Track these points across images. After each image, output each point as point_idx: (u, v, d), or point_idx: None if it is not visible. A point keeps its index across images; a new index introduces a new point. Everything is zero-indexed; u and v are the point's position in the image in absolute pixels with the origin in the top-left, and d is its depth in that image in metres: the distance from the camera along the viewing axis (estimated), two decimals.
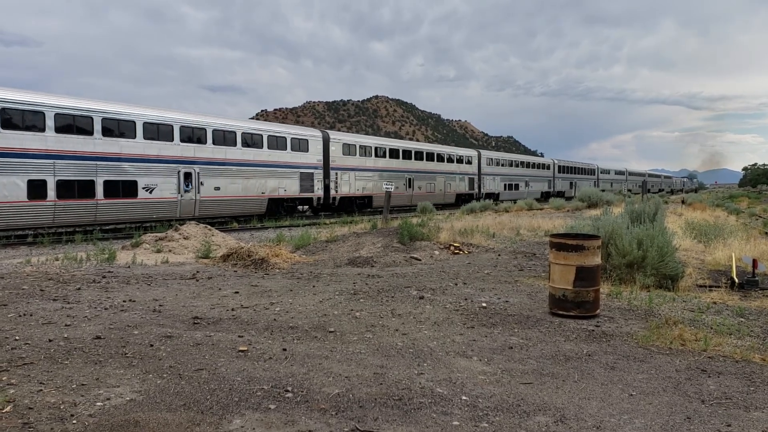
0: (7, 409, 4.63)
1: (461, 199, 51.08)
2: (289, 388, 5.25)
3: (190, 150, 26.91)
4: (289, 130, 34.00)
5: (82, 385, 5.25)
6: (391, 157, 43.08)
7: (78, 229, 23.13)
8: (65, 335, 6.89)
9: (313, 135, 35.58)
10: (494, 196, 56.89)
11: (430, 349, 6.65)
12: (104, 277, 11.16)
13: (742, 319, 8.14)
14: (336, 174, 36.78)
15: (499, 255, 15.09)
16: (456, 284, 10.73)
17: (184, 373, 5.66)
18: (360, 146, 39.80)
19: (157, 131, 25.49)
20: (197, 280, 11.12)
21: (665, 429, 4.54)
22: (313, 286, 10.51)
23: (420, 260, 14.16)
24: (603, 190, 58.41)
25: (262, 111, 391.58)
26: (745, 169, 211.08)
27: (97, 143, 23.21)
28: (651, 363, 6.25)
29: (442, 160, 49.92)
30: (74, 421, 4.44)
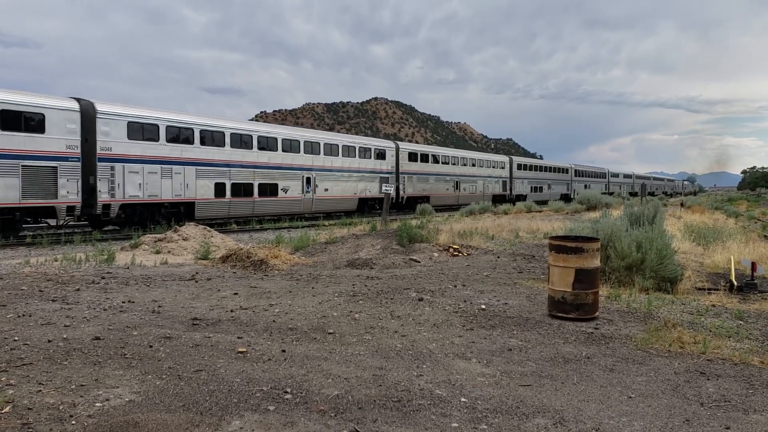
0: (7, 409, 4.63)
1: (496, 200, 57.01)
2: (288, 390, 5.25)
3: (309, 160, 34.69)
4: (373, 143, 42.24)
5: (81, 385, 5.25)
6: (443, 163, 50.38)
7: (216, 221, 27.54)
8: (64, 336, 6.89)
9: (389, 146, 43.69)
10: (523, 198, 62.77)
11: (429, 350, 6.65)
12: (103, 278, 11.16)
13: (740, 322, 8.15)
14: (404, 177, 44.22)
15: (498, 257, 15.09)
16: (455, 286, 10.73)
17: (183, 374, 5.66)
18: (420, 154, 47.28)
19: (290, 145, 33.54)
20: (196, 282, 11.11)
21: (664, 431, 4.54)
22: (313, 288, 10.51)
23: (419, 262, 14.16)
24: (612, 193, 68.38)
25: (261, 113, 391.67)
26: (744, 172, 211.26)
27: (254, 155, 30.99)
28: (650, 365, 6.26)
29: (482, 166, 57.59)
30: (73, 422, 4.44)
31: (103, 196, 23.32)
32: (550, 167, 74.42)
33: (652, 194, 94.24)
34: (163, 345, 6.64)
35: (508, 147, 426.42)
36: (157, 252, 15.35)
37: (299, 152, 33.99)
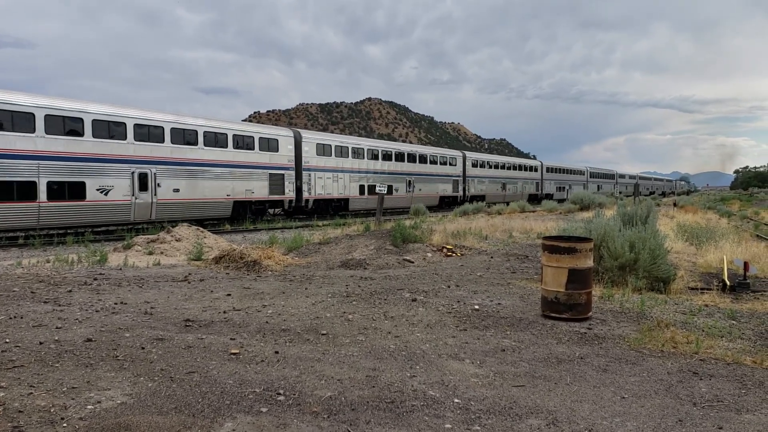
0: None
1: (530, 198, 66.64)
2: (281, 391, 5.23)
3: (412, 168, 47.14)
4: (448, 153, 54.84)
5: (73, 388, 5.22)
6: (496, 168, 62.58)
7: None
8: (56, 338, 6.85)
9: (459, 155, 56.04)
10: (550, 196, 72.47)
11: (422, 351, 6.64)
12: (95, 279, 11.11)
13: (733, 322, 8.17)
14: (468, 180, 56.42)
15: (491, 257, 15.10)
16: (448, 286, 10.73)
17: (175, 376, 5.63)
18: (481, 161, 59.92)
19: (400, 156, 45.72)
20: (189, 283, 11.08)
21: (657, 431, 4.54)
22: (306, 289, 10.49)
23: (413, 262, 14.15)
24: (620, 192, 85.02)
25: (255, 113, 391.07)
26: (736, 171, 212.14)
27: (380, 164, 42.90)
28: (643, 365, 6.27)
29: (521, 170, 68.75)
30: (65, 425, 4.41)
31: (305, 194, 35.36)
32: (571, 170, 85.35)
33: (652, 194, 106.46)
34: (156, 347, 6.61)
35: (502, 147, 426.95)
36: (150, 253, 15.30)
37: (405, 162, 46.15)
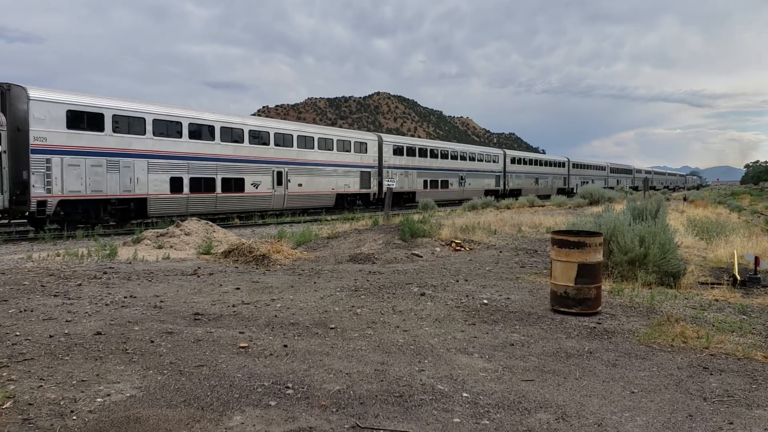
0: (7, 404, 4.62)
1: (558, 191, 70.76)
2: (290, 385, 5.24)
3: (462, 165, 52.52)
4: (491, 151, 60.68)
5: (83, 381, 5.24)
6: (530, 164, 67.27)
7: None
8: (66, 331, 6.88)
9: (500, 153, 61.43)
10: (573, 190, 76.14)
11: (431, 345, 6.64)
12: (105, 273, 11.16)
13: (744, 317, 8.12)
14: (508, 175, 61.44)
15: (500, 252, 15.07)
16: (457, 281, 10.71)
17: (184, 369, 5.65)
18: (518, 158, 64.72)
19: (447, 154, 50.56)
20: (198, 276, 11.11)
21: (667, 427, 4.52)
22: (314, 283, 10.50)
23: (421, 257, 14.14)
24: (636, 187, 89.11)
25: (263, 107, 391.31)
26: (747, 166, 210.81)
27: (438, 162, 48.46)
28: (653, 360, 6.24)
29: (551, 165, 73.04)
30: (74, 417, 4.43)
31: (384, 188, 37.33)
32: (594, 165, 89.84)
33: (666, 188, 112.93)
34: (165, 340, 6.64)
35: (511, 141, 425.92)
36: (160, 247, 15.35)
37: (458, 160, 52.11)
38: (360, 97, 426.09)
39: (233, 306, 8.54)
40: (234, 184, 28.85)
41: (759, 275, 10.66)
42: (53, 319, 7.49)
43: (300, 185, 33.19)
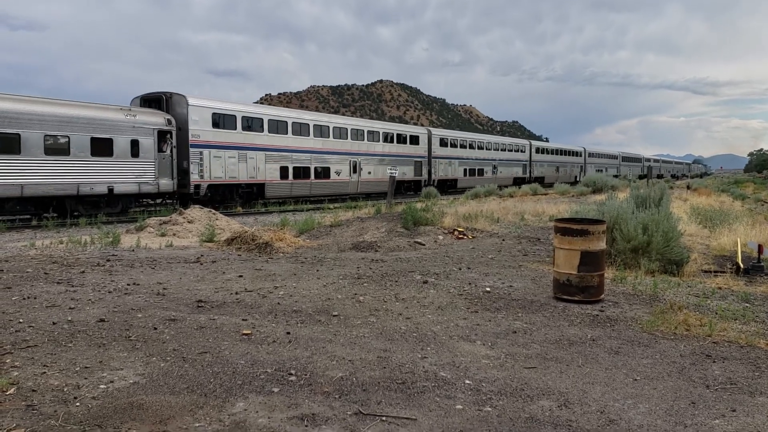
0: (11, 391, 4.64)
1: (575, 179, 72.68)
2: (293, 372, 5.25)
3: (495, 155, 57.23)
4: (519, 141, 65.78)
5: (86, 367, 5.26)
6: (551, 154, 71.61)
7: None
8: (69, 318, 6.90)
9: (526, 144, 66.14)
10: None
11: (433, 333, 6.64)
12: (108, 260, 11.17)
13: (747, 305, 8.11)
14: (533, 164, 65.65)
15: (503, 240, 15.06)
16: (460, 269, 10.71)
17: (187, 356, 5.66)
18: (541, 148, 69.43)
19: (491, 147, 56.79)
20: (201, 264, 11.12)
21: (669, 414, 4.52)
22: (317, 270, 10.51)
23: (424, 245, 14.14)
24: (660, 175, 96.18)
25: (266, 95, 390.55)
26: (750, 154, 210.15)
27: (457, 152, 51.30)
28: (655, 348, 6.23)
29: (569, 155, 76.82)
30: (77, 404, 4.44)
31: (434, 176, 46.62)
32: (607, 154, 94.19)
33: (673, 177, 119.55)
34: (168, 327, 6.65)
35: (514, 129, 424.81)
36: (162, 235, 15.36)
37: (492, 150, 56.76)
38: (363, 85, 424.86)
39: (236, 293, 8.55)
40: (323, 172, 34.80)
41: (762, 263, 10.63)
42: (56, 306, 7.51)
43: (369, 173, 39.12)
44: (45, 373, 5.09)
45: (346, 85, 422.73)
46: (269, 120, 31.18)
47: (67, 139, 21.48)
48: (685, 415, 4.51)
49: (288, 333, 6.51)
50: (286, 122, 32.55)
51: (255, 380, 5.03)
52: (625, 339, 6.55)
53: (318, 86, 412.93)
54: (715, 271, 10.70)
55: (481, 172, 54.37)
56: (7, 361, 5.37)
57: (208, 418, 4.26)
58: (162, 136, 24.73)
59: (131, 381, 4.96)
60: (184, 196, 26.47)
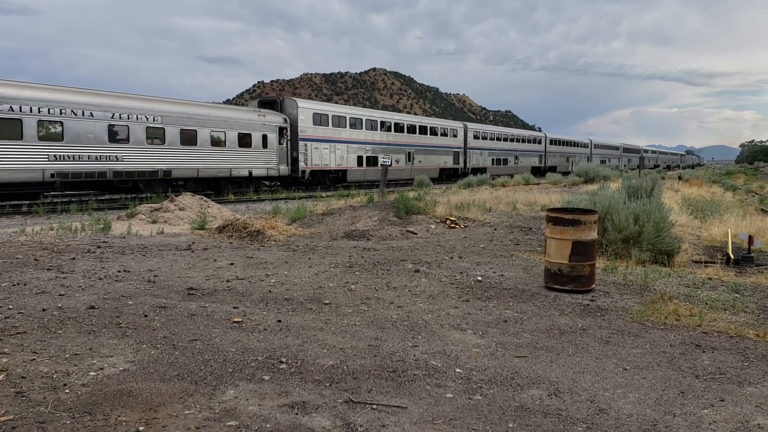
0: (0, 377, 4.62)
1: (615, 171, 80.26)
2: (284, 360, 5.24)
3: (517, 146, 64.82)
4: (536, 135, 72.61)
5: (76, 354, 5.24)
6: (562, 145, 77.76)
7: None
8: (59, 305, 6.87)
9: (542, 136, 72.85)
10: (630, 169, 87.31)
11: (424, 321, 6.65)
12: (99, 247, 11.12)
13: (737, 295, 8.15)
14: (548, 154, 72.46)
15: (495, 229, 15.08)
16: (451, 258, 10.72)
17: (178, 343, 5.65)
18: (554, 140, 75.34)
19: (513, 139, 64.14)
20: (192, 251, 11.08)
21: (659, 403, 4.54)
22: (309, 259, 10.49)
23: (416, 234, 14.14)
24: (657, 166, 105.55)
25: (258, 83, 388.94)
26: (742, 145, 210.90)
27: (488, 143, 58.97)
28: (645, 338, 6.26)
29: (577, 146, 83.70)
30: (67, 391, 4.43)
31: (468, 164, 54.31)
32: (611, 146, 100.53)
33: (668, 167, 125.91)
34: (159, 314, 6.63)
35: (507, 119, 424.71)
36: (154, 222, 15.30)
37: (514, 141, 64.27)
38: (356, 73, 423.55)
39: (227, 281, 8.53)
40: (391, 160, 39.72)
41: (752, 254, 10.69)
42: (46, 292, 7.47)
43: (420, 162, 46.69)
44: (34, 359, 5.06)
45: (339, 72, 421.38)
46: (350, 117, 39.03)
47: (224, 135, 28.73)
48: (674, 404, 4.54)
49: (279, 321, 6.50)
50: (362, 119, 40.69)
51: (246, 368, 5.03)
52: (615, 329, 6.57)
53: (311, 74, 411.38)
54: (705, 262, 10.75)
55: (505, 161, 62.09)
56: None
57: (198, 406, 4.25)
58: (281, 131, 32.37)
59: (121, 368, 4.94)
60: (292, 179, 34.00)
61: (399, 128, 44.69)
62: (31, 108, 21.46)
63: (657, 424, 4.18)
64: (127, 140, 24.66)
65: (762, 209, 23.23)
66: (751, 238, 10.98)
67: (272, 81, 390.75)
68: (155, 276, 8.77)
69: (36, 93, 21.96)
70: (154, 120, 25.69)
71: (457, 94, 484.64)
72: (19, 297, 7.19)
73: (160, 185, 26.14)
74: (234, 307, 7.04)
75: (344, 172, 37.91)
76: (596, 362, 5.47)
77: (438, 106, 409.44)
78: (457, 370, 5.13)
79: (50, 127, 22.15)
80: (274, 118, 32.39)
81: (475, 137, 56.40)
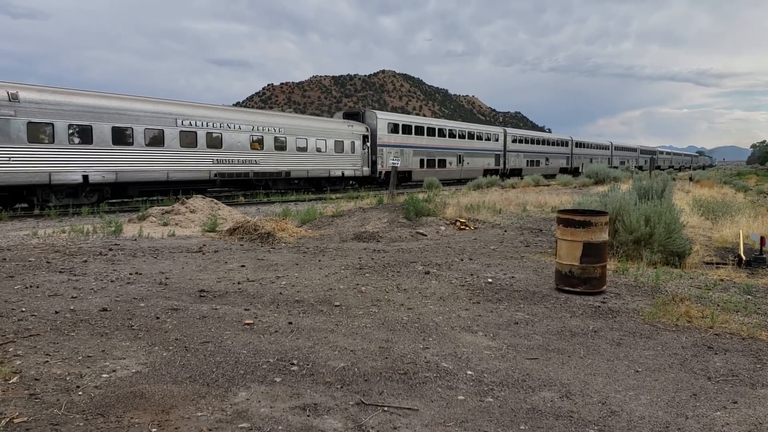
0: (14, 380, 4.65)
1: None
2: (295, 362, 5.26)
3: (547, 149, 67.91)
4: (563, 138, 74.26)
5: (88, 356, 5.27)
6: (587, 147, 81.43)
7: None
8: (71, 307, 6.91)
9: (569, 139, 75.08)
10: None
11: (435, 323, 6.65)
12: (111, 249, 11.18)
13: (749, 297, 8.11)
14: (573, 156, 75.87)
15: (505, 231, 15.05)
16: (462, 260, 10.71)
17: (189, 345, 5.67)
18: (580, 143, 78.85)
19: (544, 142, 68.48)
20: (203, 254, 11.13)
21: (671, 405, 4.53)
22: (319, 261, 10.51)
23: (426, 236, 14.13)
24: (658, 166, 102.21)
25: (268, 85, 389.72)
26: (753, 146, 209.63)
27: (523, 146, 63.38)
28: (657, 339, 6.24)
29: (600, 148, 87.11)
30: (80, 393, 4.46)
31: (507, 166, 59.10)
32: (629, 147, 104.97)
33: (680, 168, 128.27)
34: (170, 316, 6.66)
35: (517, 120, 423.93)
36: (165, 224, 15.37)
37: (545, 145, 68.59)
38: (365, 75, 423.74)
39: (238, 283, 8.56)
40: (442, 163, 48.11)
41: (764, 255, 10.63)
42: (59, 295, 7.52)
43: (468, 164, 52.31)
44: (47, 362, 5.10)
45: (348, 75, 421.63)
46: (414, 126, 45.31)
47: (324, 143, 35.17)
48: (686, 406, 4.52)
49: (290, 323, 6.52)
50: (423, 127, 46.72)
51: (257, 370, 5.04)
52: (626, 330, 6.55)
53: (320, 76, 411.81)
54: (717, 263, 10.69)
55: (538, 162, 66.65)
56: (10, 349, 5.38)
57: (210, 408, 4.27)
58: (364, 138, 38.68)
59: (134, 370, 4.97)
60: (371, 178, 39.74)
61: (452, 134, 50.64)
62: (202, 123, 27.42)
63: (669, 427, 4.17)
64: (262, 148, 30.96)
65: None
66: (762, 239, 10.91)
67: (282, 83, 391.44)
68: (167, 278, 8.81)
69: (205, 112, 28.28)
70: (278, 131, 32.29)
71: (467, 95, 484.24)
72: (32, 299, 7.24)
73: (283, 184, 33.17)
74: (245, 309, 7.06)
75: (410, 172, 43.78)
76: (608, 364, 5.45)
77: (447, 108, 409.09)
78: (468, 372, 5.13)
79: (214, 138, 27.88)
80: (359, 128, 39.05)
81: (513, 141, 61.82)
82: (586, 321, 6.92)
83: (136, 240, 12.70)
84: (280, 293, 7.96)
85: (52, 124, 21.19)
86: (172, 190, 25.73)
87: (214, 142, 27.83)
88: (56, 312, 6.69)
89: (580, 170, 69.10)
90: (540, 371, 5.21)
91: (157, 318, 6.59)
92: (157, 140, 25.20)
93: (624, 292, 8.38)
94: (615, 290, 8.44)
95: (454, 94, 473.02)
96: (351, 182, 39.51)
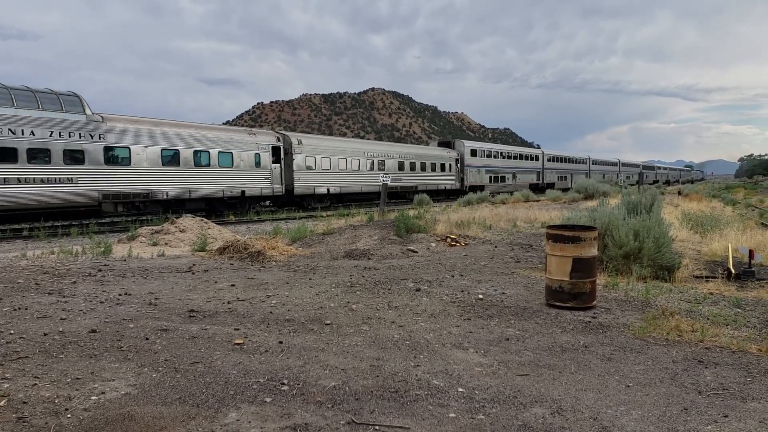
0: (2, 403, 4.61)
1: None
2: (285, 381, 5.23)
3: (572, 166, 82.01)
4: (583, 156, 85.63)
5: (77, 379, 5.23)
6: (599, 164, 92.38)
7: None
8: (60, 329, 6.86)
9: (587, 157, 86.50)
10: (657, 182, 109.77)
11: (426, 341, 6.64)
12: (100, 270, 11.13)
13: (738, 310, 8.14)
14: (591, 172, 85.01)
15: (495, 247, 15.08)
16: (452, 276, 10.72)
17: (179, 366, 5.64)
18: (595, 160, 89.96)
19: (569, 160, 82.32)
20: (193, 273, 11.09)
21: (662, 420, 4.53)
22: (310, 279, 10.49)
23: (416, 252, 14.14)
24: (667, 181, 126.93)
25: (258, 104, 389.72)
26: (741, 160, 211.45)
27: (553, 164, 76.70)
28: (648, 354, 6.25)
29: (610, 165, 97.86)
30: (69, 416, 4.42)
31: (544, 181, 70.85)
32: (650, 166, 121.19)
33: (668, 182, 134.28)
34: (160, 337, 6.62)
35: (506, 136, 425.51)
36: (154, 244, 15.32)
37: (569, 162, 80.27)
38: (355, 93, 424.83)
39: (228, 303, 8.53)
40: (502, 179, 62.13)
41: (753, 268, 10.69)
42: (48, 317, 7.47)
43: (518, 179, 65.14)
44: (36, 384, 5.05)
45: (338, 93, 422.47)
46: (486, 151, 59.88)
47: (431, 165, 50.00)
48: (677, 421, 4.52)
49: (280, 342, 6.50)
50: (492, 151, 61.42)
51: (247, 390, 5.02)
52: (617, 345, 6.56)
53: (310, 94, 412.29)
54: (706, 277, 10.74)
55: (565, 178, 78.12)
56: None
57: (200, 429, 4.24)
58: (456, 161, 53.38)
59: (123, 392, 4.93)
60: (459, 191, 51.81)
61: (509, 156, 64.64)
62: (329, 155, 37.93)
63: None
64: (403, 170, 45.55)
65: (762, 223, 23.23)
66: (751, 253, 10.98)
67: (272, 102, 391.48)
68: (156, 299, 8.77)
69: (333, 144, 39.73)
70: (399, 157, 45.91)
71: (456, 112, 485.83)
72: (21, 321, 7.19)
73: (403, 196, 46.33)
74: (235, 329, 7.03)
75: (483, 186, 56.56)
76: (599, 379, 5.46)
77: (437, 124, 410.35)
78: (460, 389, 5.12)
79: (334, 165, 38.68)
80: (452, 153, 53.81)
81: (548, 160, 74.36)
82: (576, 336, 6.92)
83: (125, 260, 12.64)
84: (271, 312, 7.93)
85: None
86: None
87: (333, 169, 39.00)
88: (45, 334, 6.64)
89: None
90: (531, 387, 5.21)
91: (147, 339, 6.55)
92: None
93: (614, 306, 8.40)
94: (605, 305, 8.46)
95: (444, 111, 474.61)
96: (448, 194, 52.61)
